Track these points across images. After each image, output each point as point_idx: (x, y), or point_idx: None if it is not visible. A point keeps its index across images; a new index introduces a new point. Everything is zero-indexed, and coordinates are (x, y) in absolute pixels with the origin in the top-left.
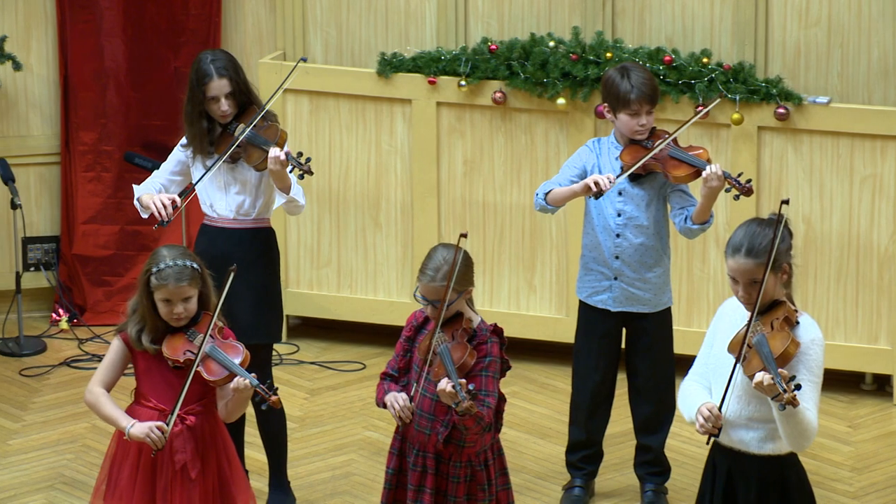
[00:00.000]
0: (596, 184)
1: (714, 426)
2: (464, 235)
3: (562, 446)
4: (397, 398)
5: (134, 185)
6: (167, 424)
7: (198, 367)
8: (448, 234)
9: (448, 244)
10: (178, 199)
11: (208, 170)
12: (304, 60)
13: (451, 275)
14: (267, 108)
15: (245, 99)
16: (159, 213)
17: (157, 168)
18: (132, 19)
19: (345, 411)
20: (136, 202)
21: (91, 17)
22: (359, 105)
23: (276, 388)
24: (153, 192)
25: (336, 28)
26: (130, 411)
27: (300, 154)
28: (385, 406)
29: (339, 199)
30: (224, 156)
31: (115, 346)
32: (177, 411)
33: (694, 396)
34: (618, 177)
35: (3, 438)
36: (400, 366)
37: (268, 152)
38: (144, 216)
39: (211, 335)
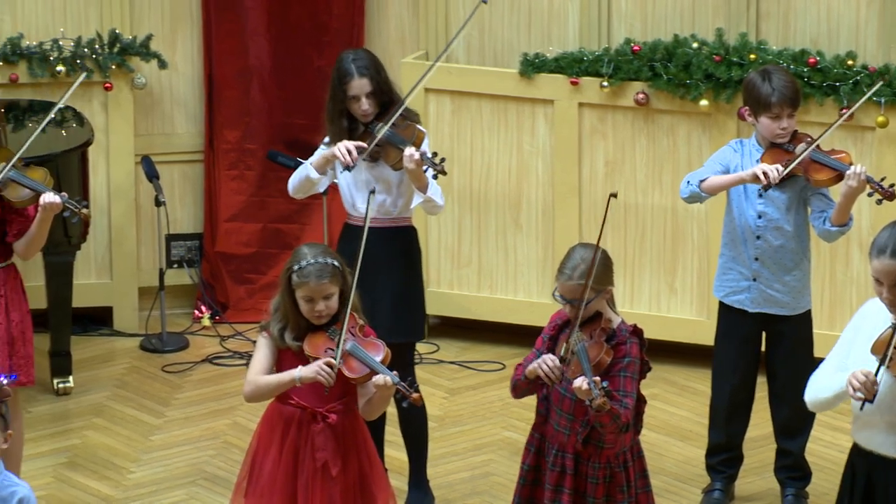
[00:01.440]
0: (765, 174)
1: (869, 391)
2: (613, 195)
3: (702, 449)
4: (545, 359)
5: (301, 171)
6: (334, 362)
7: (339, 364)
8: (589, 235)
9: (587, 244)
10: (362, 145)
11: (348, 168)
12: (484, 2)
13: (589, 273)
14: (405, 104)
15: (387, 98)
16: (343, 157)
17: (299, 167)
18: (276, 19)
19: (484, 411)
20: (296, 180)
21: (236, 17)
22: (500, 105)
23: (417, 386)
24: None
25: (478, 28)
26: (272, 409)
27: (435, 154)
28: (524, 384)
29: (480, 200)
30: (363, 155)
31: (261, 343)
32: (340, 351)
33: (830, 378)
34: (783, 170)
35: (145, 434)
36: None
37: (404, 151)
38: (314, 175)
39: (351, 332)
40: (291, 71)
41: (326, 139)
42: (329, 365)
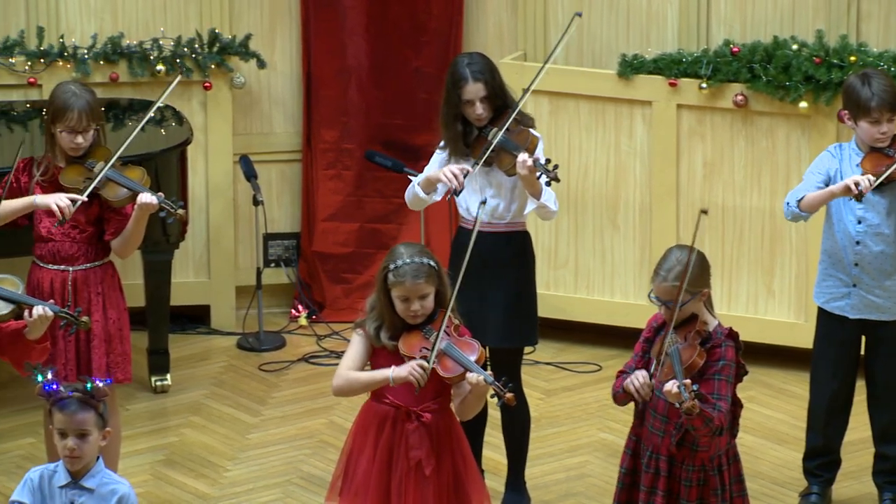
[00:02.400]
0: (857, 184)
1: None
2: (704, 212)
3: (799, 452)
4: (637, 376)
5: (414, 179)
6: (427, 365)
7: (433, 364)
8: (686, 237)
9: (683, 245)
10: (466, 167)
11: (456, 193)
12: (579, 15)
13: (684, 276)
14: (518, 109)
15: (501, 102)
16: (450, 181)
17: (397, 167)
18: (375, 19)
19: (580, 412)
20: (415, 188)
21: (334, 16)
22: (598, 106)
23: (511, 385)
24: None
25: (577, 29)
26: (367, 408)
27: (548, 160)
28: (623, 396)
29: (577, 201)
30: (479, 162)
31: (356, 341)
32: (434, 354)
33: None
34: (874, 180)
35: (241, 433)
36: (637, 366)
37: (517, 157)
38: (424, 196)
39: (446, 332)
40: (389, 71)
41: (441, 143)
42: (422, 367)
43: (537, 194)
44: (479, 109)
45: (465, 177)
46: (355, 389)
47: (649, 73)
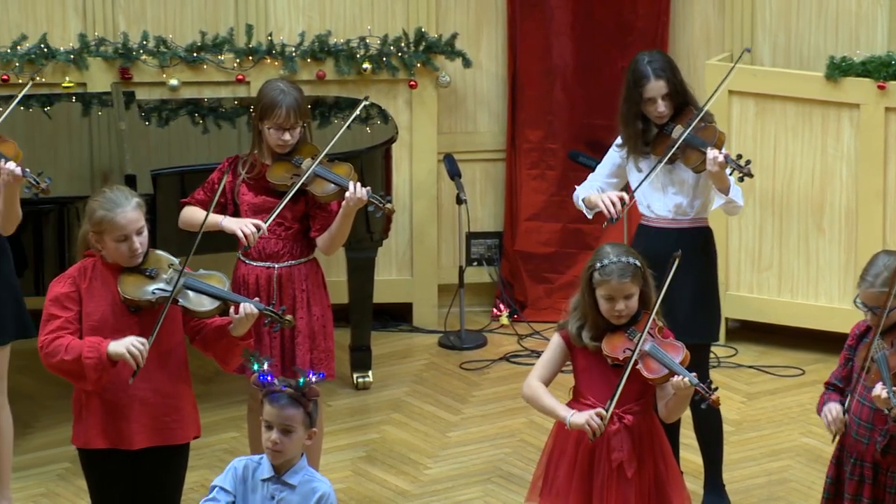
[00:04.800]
0: None
1: None
2: None
3: None
4: (830, 409)
5: (576, 186)
6: (605, 412)
7: (637, 364)
8: (893, 242)
9: (891, 251)
10: (625, 196)
11: (649, 173)
12: (748, 51)
13: (892, 282)
14: (706, 108)
15: (682, 100)
16: (608, 210)
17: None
18: (581, 18)
19: (782, 416)
20: (580, 202)
21: (541, 15)
22: (805, 109)
23: (717, 388)
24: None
25: (785, 30)
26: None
27: (739, 156)
28: None
29: (782, 203)
30: (664, 159)
31: (554, 343)
32: (614, 402)
33: None
34: None
35: (442, 430)
36: (842, 375)
37: (706, 154)
38: (589, 216)
39: (650, 334)
40: (594, 71)
41: (618, 140)
42: (600, 416)
43: (725, 190)
44: (661, 107)
45: (622, 206)
46: (537, 407)
47: (857, 75)
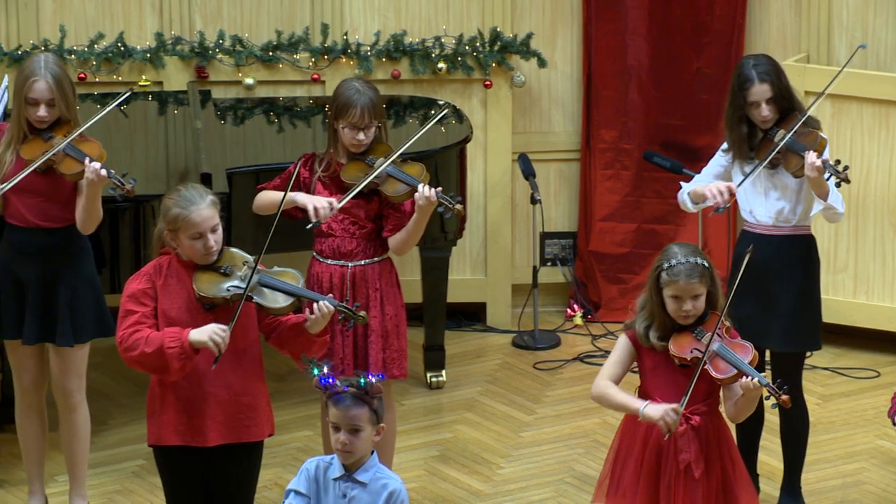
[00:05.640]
0: None
1: None
2: None
3: None
4: None
5: (682, 184)
6: (679, 408)
7: (704, 365)
8: None
9: None
10: (733, 186)
11: (750, 172)
12: (864, 47)
13: None
14: (808, 112)
15: (787, 104)
16: (715, 198)
17: (675, 168)
18: (657, 19)
19: (857, 419)
20: (685, 196)
21: (616, 16)
22: (882, 110)
23: (786, 388)
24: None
25: (861, 31)
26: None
27: (838, 161)
28: None
29: (857, 204)
30: (764, 162)
31: (621, 343)
32: (687, 398)
33: None
34: None
35: (515, 430)
36: None
37: (805, 159)
38: (693, 209)
39: (718, 334)
40: (670, 71)
41: (724, 145)
42: (675, 411)
43: (824, 196)
44: (765, 111)
45: (730, 196)
46: (608, 405)
47: None
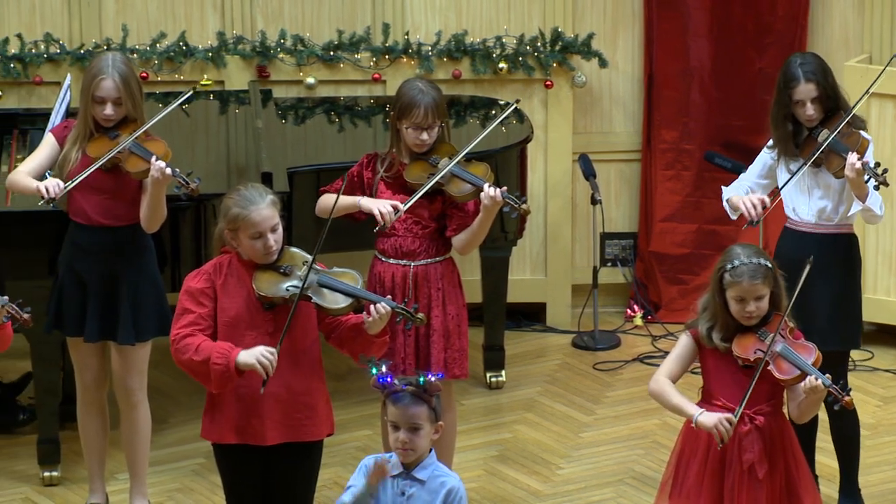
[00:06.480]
0: None
1: None
2: None
3: None
4: None
5: (723, 187)
6: (734, 418)
7: (768, 366)
8: None
9: None
10: (766, 200)
11: (793, 175)
12: None
13: None
14: (853, 112)
15: (832, 104)
16: (748, 212)
17: (736, 168)
18: (719, 19)
19: None
20: (724, 203)
21: (678, 16)
22: None
23: (850, 389)
24: (741, 195)
25: None
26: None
27: (877, 164)
28: None
29: None
30: (808, 162)
31: (683, 342)
32: (743, 407)
33: None
34: None
35: (575, 431)
36: None
37: (846, 160)
38: (733, 217)
39: (781, 335)
40: (731, 72)
41: (770, 142)
42: (729, 420)
43: (863, 197)
44: (810, 110)
45: (763, 209)
46: (664, 404)
47: None
